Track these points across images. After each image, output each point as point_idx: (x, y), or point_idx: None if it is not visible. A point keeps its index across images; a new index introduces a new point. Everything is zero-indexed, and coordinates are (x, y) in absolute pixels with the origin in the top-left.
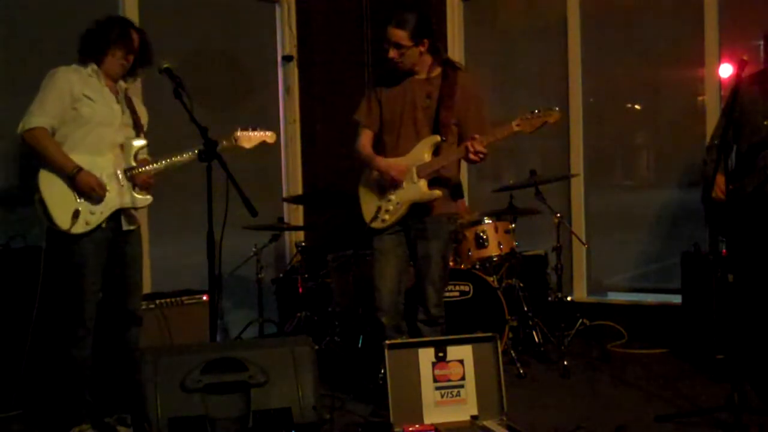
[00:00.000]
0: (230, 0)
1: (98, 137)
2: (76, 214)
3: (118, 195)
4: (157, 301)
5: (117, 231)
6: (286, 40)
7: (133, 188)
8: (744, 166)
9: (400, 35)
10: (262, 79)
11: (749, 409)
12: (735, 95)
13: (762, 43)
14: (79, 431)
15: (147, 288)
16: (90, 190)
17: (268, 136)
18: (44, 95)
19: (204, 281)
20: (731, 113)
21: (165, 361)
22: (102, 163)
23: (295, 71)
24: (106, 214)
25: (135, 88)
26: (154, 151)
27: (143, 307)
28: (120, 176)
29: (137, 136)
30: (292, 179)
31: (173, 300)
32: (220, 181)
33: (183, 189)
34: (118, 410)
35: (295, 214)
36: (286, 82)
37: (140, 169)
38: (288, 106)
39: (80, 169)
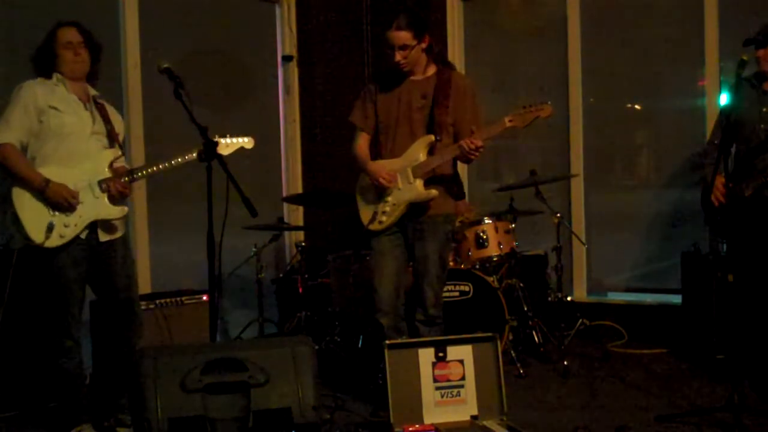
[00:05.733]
0: (230, 0)
1: (69, 148)
2: (50, 228)
3: (92, 207)
4: (157, 301)
5: (96, 242)
6: (286, 40)
7: (109, 199)
8: (742, 169)
9: (405, 36)
10: (262, 79)
11: (749, 409)
12: (733, 98)
13: (754, 45)
14: (79, 431)
15: (147, 288)
16: (62, 200)
17: (245, 142)
18: (10, 111)
19: (204, 281)
20: (728, 115)
21: (165, 361)
22: (75, 175)
23: (295, 71)
24: (81, 226)
25: (136, 89)
26: (154, 150)
27: (143, 307)
28: (94, 187)
29: (111, 145)
30: (292, 179)
31: (173, 300)
32: (220, 181)
33: (183, 189)
34: (118, 411)
35: (295, 214)
36: (286, 82)
37: (114, 179)
38: (288, 106)
39: (48, 181)
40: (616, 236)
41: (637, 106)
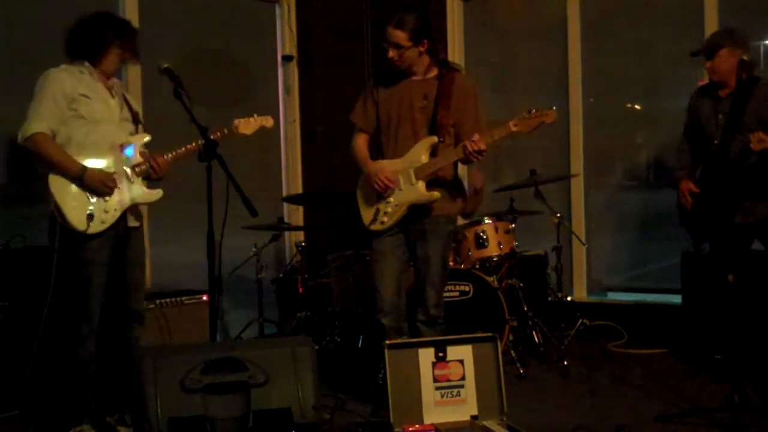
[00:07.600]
0: (230, 0)
1: (100, 136)
2: (90, 217)
3: (128, 191)
4: (157, 301)
5: (123, 228)
6: (286, 40)
7: (145, 181)
8: (705, 175)
9: (400, 36)
10: (262, 79)
11: (749, 409)
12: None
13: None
14: (79, 431)
15: (147, 288)
16: (100, 185)
17: (266, 119)
18: (38, 99)
19: (204, 281)
20: (691, 123)
21: (165, 361)
22: (108, 162)
23: (295, 71)
24: (120, 211)
25: (135, 88)
26: (154, 151)
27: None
28: (129, 173)
29: (137, 130)
30: (292, 179)
31: (173, 300)
32: (220, 181)
33: (183, 189)
34: (119, 410)
35: (295, 214)
36: (286, 82)
37: (146, 164)
38: (288, 106)
39: (85, 167)
40: (616, 236)
41: (637, 106)
